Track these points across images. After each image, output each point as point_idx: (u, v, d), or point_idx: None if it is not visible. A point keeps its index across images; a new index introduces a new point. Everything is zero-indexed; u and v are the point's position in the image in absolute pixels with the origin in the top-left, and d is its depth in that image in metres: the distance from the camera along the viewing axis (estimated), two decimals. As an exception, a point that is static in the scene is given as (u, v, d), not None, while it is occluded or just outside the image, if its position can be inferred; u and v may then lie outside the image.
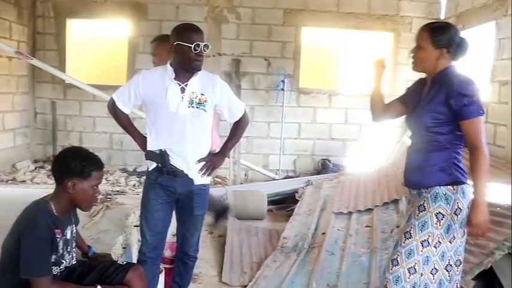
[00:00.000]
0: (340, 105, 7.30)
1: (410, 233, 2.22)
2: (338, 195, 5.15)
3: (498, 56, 5.41)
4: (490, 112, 5.43)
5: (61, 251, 2.11)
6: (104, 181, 6.39)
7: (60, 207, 2.13)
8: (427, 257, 2.20)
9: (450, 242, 2.22)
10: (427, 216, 2.20)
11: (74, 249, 2.21)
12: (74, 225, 2.25)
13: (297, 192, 5.94)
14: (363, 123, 7.30)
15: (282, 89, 6.97)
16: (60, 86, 7.10)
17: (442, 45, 2.20)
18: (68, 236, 2.18)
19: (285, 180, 6.77)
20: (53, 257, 2.07)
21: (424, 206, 2.22)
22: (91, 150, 2.24)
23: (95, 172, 2.14)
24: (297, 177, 7.03)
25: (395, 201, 4.50)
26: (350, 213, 4.58)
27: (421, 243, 2.19)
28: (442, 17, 7.15)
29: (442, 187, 2.19)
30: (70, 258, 2.18)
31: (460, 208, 2.19)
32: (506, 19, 5.28)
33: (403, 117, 2.47)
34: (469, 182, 2.23)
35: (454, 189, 2.19)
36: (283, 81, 6.96)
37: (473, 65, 6.14)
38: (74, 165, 2.09)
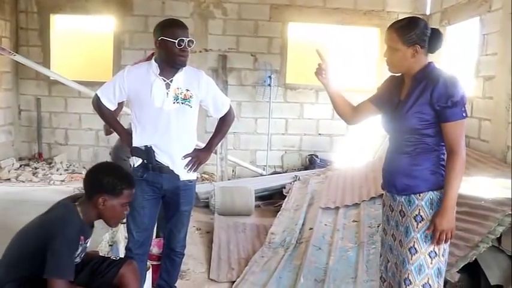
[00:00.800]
0: (327, 100, 7.07)
1: (415, 248, 2.08)
2: (325, 191, 5.17)
3: (482, 51, 5.46)
4: (475, 107, 5.49)
5: (76, 256, 2.11)
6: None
7: (87, 217, 2.15)
8: (438, 268, 2.10)
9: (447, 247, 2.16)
10: (427, 226, 2.08)
11: (81, 259, 2.21)
12: (90, 237, 2.27)
13: (284, 187, 5.96)
14: (350, 118, 7.32)
15: (269, 85, 6.97)
16: (44, 83, 7.00)
17: (413, 42, 2.09)
18: (87, 245, 2.21)
19: (273, 176, 6.78)
20: (74, 259, 2.08)
21: (421, 216, 2.09)
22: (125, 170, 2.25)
23: (127, 190, 2.16)
24: (284, 172, 7.04)
25: (382, 196, 4.52)
26: (337, 208, 4.60)
27: (429, 255, 2.09)
28: (428, 12, 7.20)
29: (435, 192, 2.09)
30: (77, 264, 2.17)
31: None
32: (490, 15, 5.33)
33: (378, 118, 2.37)
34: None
35: (440, 192, 2.10)
36: (270, 77, 6.95)
37: (458, 60, 6.20)
38: (106, 182, 2.12)
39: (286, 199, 5.33)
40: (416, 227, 2.09)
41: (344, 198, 4.77)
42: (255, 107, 7.20)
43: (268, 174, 7.00)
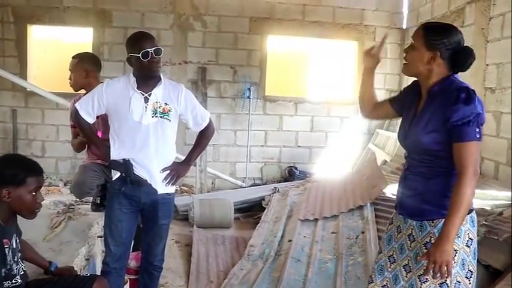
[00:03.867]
0: (306, 112, 7.37)
1: (426, 277, 1.91)
2: (304, 202, 5.19)
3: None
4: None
5: (9, 262, 2.02)
6: (67, 191, 6.28)
7: (1, 216, 2.04)
8: None
9: (467, 278, 1.93)
10: None
11: (20, 260, 2.12)
12: (16, 235, 2.16)
13: (263, 199, 5.96)
14: (329, 130, 7.41)
15: (248, 97, 7.00)
16: (21, 94, 6.89)
17: (435, 47, 1.92)
18: (14, 245, 2.10)
19: (252, 188, 6.78)
20: (2, 270, 1.98)
21: (432, 244, 1.89)
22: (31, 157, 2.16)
23: (31, 178, 2.06)
24: (263, 184, 7.05)
25: (361, 208, 4.57)
26: (316, 220, 4.62)
27: (440, 286, 1.91)
28: (404, 26, 7.36)
29: None
30: (19, 268, 2.09)
31: (471, 239, 1.94)
32: (463, 30, 5.47)
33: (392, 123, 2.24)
34: (475, 206, 2.01)
35: (464, 220, 1.89)
36: (249, 89, 6.99)
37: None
38: (6, 173, 2.02)
39: (265, 211, 5.33)
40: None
41: (323, 210, 4.79)
42: (235, 119, 7.21)
43: (248, 186, 7.00)
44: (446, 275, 1.84)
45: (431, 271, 1.84)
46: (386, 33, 2.44)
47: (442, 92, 1.92)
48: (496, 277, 3.20)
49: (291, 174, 7.19)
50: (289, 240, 4.24)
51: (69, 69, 3.35)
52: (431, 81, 1.97)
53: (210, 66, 7.10)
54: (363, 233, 4.07)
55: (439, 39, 1.92)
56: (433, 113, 1.92)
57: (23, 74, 6.78)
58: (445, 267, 1.81)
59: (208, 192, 6.72)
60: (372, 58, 2.25)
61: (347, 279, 3.45)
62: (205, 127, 2.85)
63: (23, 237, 2.28)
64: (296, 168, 7.28)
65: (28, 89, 6.73)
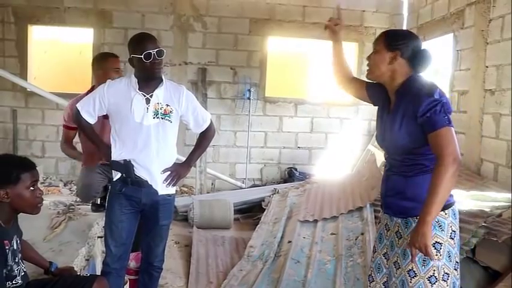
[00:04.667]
0: (306, 114, 7.38)
1: (414, 271, 1.97)
2: (304, 204, 5.20)
3: (456, 66, 5.61)
4: (450, 121, 5.60)
5: (10, 263, 2.02)
6: (67, 191, 6.29)
7: (3, 217, 2.04)
8: None
9: (456, 270, 2.01)
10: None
11: (20, 260, 2.12)
12: (17, 235, 2.16)
13: (263, 200, 5.97)
14: (329, 131, 7.42)
15: (248, 98, 7.01)
16: (21, 94, 6.90)
17: (395, 47, 2.05)
18: (15, 246, 2.10)
19: (252, 189, 6.79)
20: (3, 271, 1.98)
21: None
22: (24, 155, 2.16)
23: (24, 174, 2.05)
24: (263, 185, 7.06)
25: (360, 209, 4.58)
26: (316, 221, 4.62)
27: (428, 279, 1.96)
28: (405, 27, 7.37)
29: None
30: (19, 269, 2.09)
31: (454, 231, 2.01)
32: (463, 32, 5.48)
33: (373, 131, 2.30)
34: (456, 198, 2.07)
35: (445, 213, 1.98)
36: (249, 90, 7.00)
37: (435, 75, 6.35)
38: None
39: (265, 212, 5.34)
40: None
41: (322, 211, 4.80)
42: (235, 120, 7.22)
43: (248, 187, 7.01)
44: (441, 264, 1.93)
45: (415, 256, 1.92)
46: (337, 5, 2.56)
47: (407, 91, 2.01)
48: (495, 278, 3.21)
49: (290, 175, 7.19)
50: (289, 241, 4.25)
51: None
52: (396, 82, 2.08)
53: (210, 67, 7.11)
54: (362, 234, 4.08)
55: (399, 39, 2.07)
56: (404, 113, 2.00)
57: (23, 74, 6.80)
58: (424, 250, 1.87)
59: (208, 193, 6.73)
60: (333, 28, 2.43)
61: (346, 280, 3.46)
62: (206, 128, 2.85)
63: (23, 238, 2.28)
64: (296, 170, 7.28)
65: (28, 89, 6.74)
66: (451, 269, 1.99)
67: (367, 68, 2.17)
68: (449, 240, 1.98)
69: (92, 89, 3.31)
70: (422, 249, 1.88)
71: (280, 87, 7.49)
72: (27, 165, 2.11)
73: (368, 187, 5.02)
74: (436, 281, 1.96)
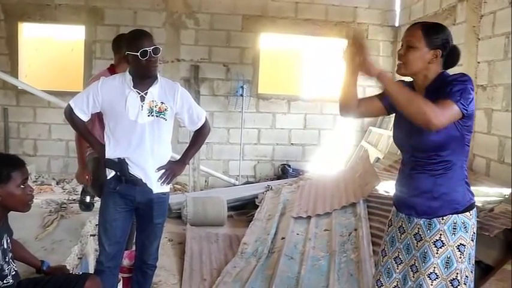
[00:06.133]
0: (299, 110, 7.39)
1: (436, 273, 1.91)
2: (297, 200, 5.20)
3: (449, 62, 5.62)
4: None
5: (1, 262, 2.01)
6: (60, 190, 6.26)
7: None
8: None
9: (472, 272, 1.97)
10: (449, 252, 1.91)
11: (11, 260, 2.10)
12: (7, 234, 2.14)
13: (257, 197, 5.97)
14: (322, 128, 7.43)
15: (241, 95, 7.01)
16: (12, 92, 6.85)
17: (436, 46, 1.94)
18: (5, 245, 2.08)
19: (245, 186, 6.78)
20: None
21: (442, 241, 1.92)
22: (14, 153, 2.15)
23: (14, 172, 2.03)
24: (257, 182, 7.06)
25: (353, 205, 4.58)
26: (309, 217, 4.63)
27: (451, 282, 1.91)
28: (397, 24, 7.39)
29: (459, 215, 1.92)
30: (10, 269, 2.07)
31: (474, 233, 1.96)
32: (455, 28, 5.50)
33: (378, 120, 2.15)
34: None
35: (470, 214, 1.94)
36: (242, 87, 7.00)
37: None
38: None
39: (258, 209, 5.34)
40: (437, 253, 1.92)
41: (316, 208, 4.81)
42: (228, 117, 7.21)
43: (241, 184, 7.00)
44: (464, 268, 1.89)
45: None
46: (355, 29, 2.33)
47: (439, 86, 1.92)
48: (487, 273, 3.23)
49: (284, 172, 7.20)
50: (282, 238, 4.25)
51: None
52: (429, 80, 1.98)
53: (202, 64, 7.10)
54: (355, 230, 4.09)
55: (439, 37, 1.95)
56: None
57: (14, 72, 6.74)
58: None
59: (201, 190, 6.72)
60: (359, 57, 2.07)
61: (340, 276, 3.47)
62: (201, 126, 2.83)
63: (15, 237, 2.27)
64: (289, 166, 7.30)
65: (19, 88, 6.69)
66: (469, 271, 1.95)
67: (399, 62, 2.02)
68: (471, 242, 1.95)
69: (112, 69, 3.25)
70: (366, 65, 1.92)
71: (273, 84, 7.50)
72: (16, 163, 2.08)
73: (361, 183, 5.03)
74: (458, 285, 1.91)
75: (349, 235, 4.03)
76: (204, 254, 4.31)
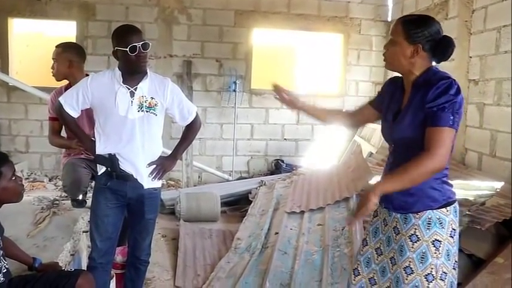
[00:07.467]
0: (292, 105, 7.36)
1: (411, 268, 1.93)
2: (291, 195, 5.21)
3: (441, 57, 5.64)
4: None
5: None
6: (52, 187, 6.22)
7: None
8: None
9: (454, 269, 1.97)
10: (424, 246, 1.92)
11: (2, 257, 2.10)
12: None
13: (250, 193, 5.98)
14: (315, 123, 7.42)
15: (234, 90, 6.99)
16: (3, 89, 6.78)
17: (417, 40, 1.91)
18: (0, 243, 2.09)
19: (239, 181, 6.79)
20: None
21: (416, 236, 1.93)
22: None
23: (4, 167, 2.06)
24: (250, 178, 7.06)
25: (347, 200, 4.60)
26: (302, 212, 4.64)
27: (425, 277, 1.91)
28: (389, 19, 7.39)
29: (434, 211, 1.92)
30: (1, 266, 2.07)
31: (454, 229, 1.95)
32: (447, 22, 5.52)
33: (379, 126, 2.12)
34: (457, 196, 2.02)
35: (447, 210, 1.93)
36: (235, 83, 6.98)
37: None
38: None
39: (252, 204, 5.35)
40: (412, 247, 1.94)
41: (309, 202, 4.82)
42: (221, 113, 7.20)
43: (234, 180, 7.01)
44: (440, 263, 1.89)
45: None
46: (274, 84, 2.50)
47: (425, 83, 1.90)
48: (478, 266, 3.26)
49: (277, 167, 7.21)
50: (276, 233, 4.26)
51: (53, 59, 3.30)
52: (415, 74, 1.96)
53: (195, 60, 7.07)
54: (348, 224, 4.10)
55: (419, 31, 1.91)
56: (418, 106, 1.90)
57: (4, 69, 6.68)
58: (366, 196, 1.83)
59: (194, 186, 6.71)
60: (282, 91, 2.40)
61: (333, 270, 3.48)
62: (192, 121, 2.83)
63: (6, 234, 2.25)
64: (282, 161, 7.30)
65: (10, 84, 6.63)
66: (450, 268, 1.94)
67: (384, 58, 2.05)
68: (449, 238, 1.94)
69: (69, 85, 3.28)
70: (365, 197, 1.84)
71: (266, 79, 7.45)
72: (3, 158, 2.10)
73: (355, 178, 5.04)
74: (433, 279, 1.91)
75: (342, 230, 4.04)
76: (198, 249, 4.31)
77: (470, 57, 5.09)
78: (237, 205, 6.01)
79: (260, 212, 5.03)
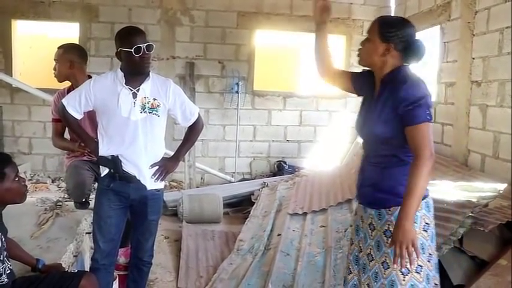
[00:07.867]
0: (295, 107, 7.38)
1: (387, 263, 1.98)
2: (293, 197, 5.21)
3: (443, 58, 5.64)
4: (437, 112, 5.65)
5: None
6: (55, 188, 6.23)
7: None
8: (412, 285, 1.96)
9: (429, 262, 2.02)
10: None
11: (6, 258, 2.11)
12: (2, 233, 2.14)
13: (253, 194, 5.98)
14: (317, 124, 7.43)
15: (237, 92, 6.99)
16: (6, 90, 6.80)
17: (389, 39, 1.99)
18: (4, 244, 2.09)
19: (241, 183, 6.79)
20: None
21: (390, 231, 1.97)
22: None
23: (8, 168, 2.07)
24: (253, 179, 7.06)
25: (349, 201, 4.60)
26: (305, 214, 4.64)
27: (401, 271, 1.96)
28: (392, 20, 7.38)
29: None
30: (5, 267, 2.08)
31: (427, 223, 2.01)
32: (450, 24, 5.51)
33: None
34: (431, 192, 2.07)
35: (419, 206, 1.96)
36: (237, 84, 6.98)
37: (423, 67, 6.38)
38: None
39: (254, 206, 5.35)
40: (387, 242, 1.98)
41: (312, 204, 4.82)
42: (223, 114, 7.20)
43: (237, 181, 7.00)
44: (415, 257, 1.88)
45: (399, 255, 1.86)
46: None
47: (393, 81, 1.98)
48: (482, 268, 3.25)
49: (280, 169, 7.20)
50: (279, 235, 4.26)
51: (54, 59, 3.31)
52: (384, 72, 2.04)
53: (198, 61, 7.08)
54: (351, 226, 4.09)
55: (392, 31, 2.00)
56: (385, 102, 1.99)
57: (8, 70, 6.70)
58: (412, 247, 1.85)
59: (197, 187, 6.72)
60: (322, 11, 2.32)
61: (336, 272, 3.48)
62: (194, 122, 2.83)
63: (10, 235, 2.26)
64: (285, 163, 7.30)
65: (14, 85, 6.64)
66: (424, 260, 1.99)
67: (358, 54, 2.13)
68: (423, 232, 1.99)
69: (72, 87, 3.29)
70: (409, 247, 1.85)
71: (268, 81, 7.49)
72: (6, 159, 2.11)
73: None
74: (408, 273, 1.96)
75: (345, 231, 4.04)
76: (200, 251, 4.31)
77: (473, 58, 5.07)
78: (240, 206, 6.01)
79: (263, 213, 5.03)
